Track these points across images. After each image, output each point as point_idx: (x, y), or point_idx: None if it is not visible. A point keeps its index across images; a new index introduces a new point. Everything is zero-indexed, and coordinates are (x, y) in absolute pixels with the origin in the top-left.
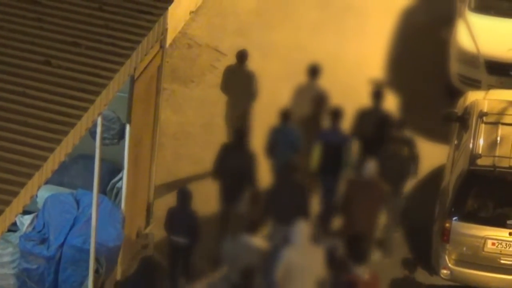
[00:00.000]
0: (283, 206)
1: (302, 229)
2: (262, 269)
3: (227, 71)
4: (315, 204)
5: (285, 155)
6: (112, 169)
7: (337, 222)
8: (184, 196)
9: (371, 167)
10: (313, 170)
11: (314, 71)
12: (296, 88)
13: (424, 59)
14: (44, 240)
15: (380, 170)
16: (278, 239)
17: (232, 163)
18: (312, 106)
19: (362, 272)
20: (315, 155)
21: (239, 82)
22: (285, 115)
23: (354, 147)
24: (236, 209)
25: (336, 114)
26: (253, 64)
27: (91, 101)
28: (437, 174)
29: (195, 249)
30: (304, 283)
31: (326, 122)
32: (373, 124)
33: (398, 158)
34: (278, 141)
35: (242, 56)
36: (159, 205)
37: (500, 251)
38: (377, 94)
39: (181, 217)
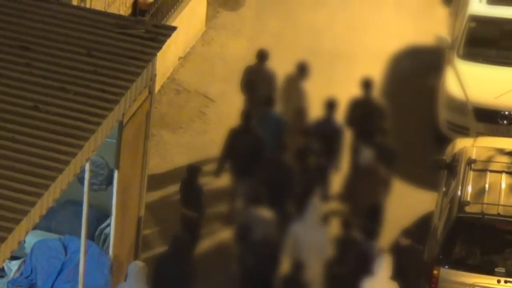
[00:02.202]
0: (273, 186)
1: (314, 208)
2: (238, 236)
3: (247, 70)
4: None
5: (272, 138)
6: (100, 215)
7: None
8: (193, 171)
9: (367, 154)
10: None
11: (302, 69)
12: (284, 82)
13: (412, 106)
14: (32, 286)
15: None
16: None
17: (241, 146)
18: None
19: (372, 248)
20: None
21: (258, 82)
22: (269, 101)
23: (347, 136)
24: (245, 188)
25: (331, 104)
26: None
27: (79, 147)
28: (425, 221)
29: (202, 221)
30: (310, 258)
31: (321, 112)
32: (363, 113)
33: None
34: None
35: (262, 55)
36: (147, 249)
37: None
38: (367, 84)
39: (190, 191)
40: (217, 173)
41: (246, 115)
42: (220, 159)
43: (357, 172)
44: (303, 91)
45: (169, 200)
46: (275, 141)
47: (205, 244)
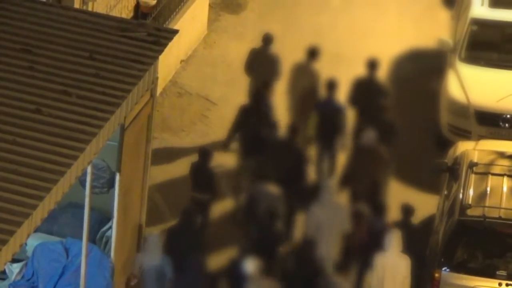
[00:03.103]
0: (282, 168)
1: (330, 188)
2: (245, 210)
3: (252, 53)
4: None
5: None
6: (101, 218)
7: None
8: (205, 155)
9: (370, 135)
10: (310, 137)
11: (313, 52)
12: (293, 67)
13: (414, 109)
14: None
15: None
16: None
17: (250, 123)
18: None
19: (381, 223)
20: (312, 124)
21: (263, 64)
22: (266, 84)
23: (349, 116)
24: (253, 164)
25: (331, 85)
26: None
27: (81, 150)
28: (426, 224)
29: (213, 203)
30: (330, 236)
31: (322, 93)
32: (367, 93)
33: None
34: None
35: (267, 39)
36: None
37: None
38: (372, 65)
39: (201, 174)
40: (225, 146)
41: (256, 94)
42: (229, 134)
43: (360, 152)
44: (316, 72)
45: (171, 201)
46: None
47: (214, 219)
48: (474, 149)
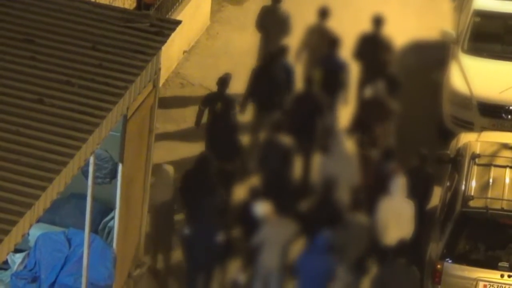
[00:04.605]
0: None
1: (339, 140)
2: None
3: (263, 10)
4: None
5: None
6: (104, 208)
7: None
8: (223, 81)
9: (380, 87)
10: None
11: (324, 12)
12: (307, 28)
13: (417, 100)
14: (35, 279)
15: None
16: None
17: (263, 84)
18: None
19: (388, 168)
20: (315, 80)
21: (274, 21)
22: (282, 50)
23: (353, 71)
24: (268, 121)
25: (334, 42)
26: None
27: (84, 140)
28: (428, 216)
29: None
30: (339, 185)
31: (325, 50)
32: (372, 48)
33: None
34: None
35: None
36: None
37: None
38: (377, 21)
39: (219, 100)
40: (241, 109)
41: (267, 56)
42: (244, 97)
43: (369, 103)
44: (329, 30)
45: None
46: (287, 88)
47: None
48: (477, 141)
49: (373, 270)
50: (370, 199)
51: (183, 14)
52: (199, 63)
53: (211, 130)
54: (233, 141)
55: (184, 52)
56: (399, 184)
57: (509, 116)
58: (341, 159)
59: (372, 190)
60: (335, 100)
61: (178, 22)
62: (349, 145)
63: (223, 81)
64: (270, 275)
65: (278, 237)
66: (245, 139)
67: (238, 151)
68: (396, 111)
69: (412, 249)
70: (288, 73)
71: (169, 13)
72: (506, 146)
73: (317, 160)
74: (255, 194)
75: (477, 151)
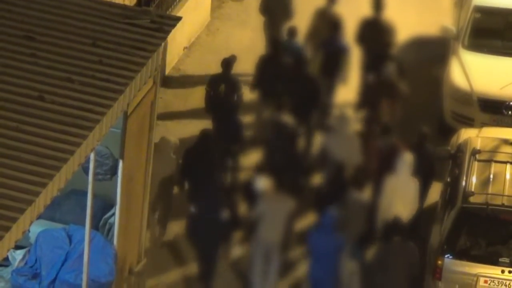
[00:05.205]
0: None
1: (344, 119)
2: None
3: None
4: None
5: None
6: (104, 205)
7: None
8: (228, 63)
9: (390, 68)
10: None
11: None
12: (314, 11)
13: (417, 96)
14: (36, 275)
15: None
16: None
17: (271, 72)
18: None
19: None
20: (317, 61)
21: (277, 4)
22: (291, 31)
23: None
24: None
25: (336, 25)
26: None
27: (84, 137)
28: (429, 211)
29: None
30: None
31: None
32: (373, 32)
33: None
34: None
35: None
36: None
37: None
38: (378, 5)
39: (223, 81)
40: (252, 89)
41: (273, 43)
42: (252, 84)
43: (377, 83)
44: (334, 14)
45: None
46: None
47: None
48: (477, 137)
49: (373, 248)
50: (375, 176)
51: (183, 10)
52: (199, 59)
53: (215, 111)
54: (236, 122)
55: (185, 48)
56: (405, 161)
57: (510, 112)
58: (343, 138)
59: (377, 168)
60: (334, 81)
61: (178, 19)
62: (353, 124)
63: (228, 62)
64: (270, 248)
65: (276, 212)
66: (248, 118)
67: (241, 132)
68: (405, 92)
69: (411, 227)
70: (298, 54)
71: (170, 9)
72: (506, 142)
73: (318, 139)
74: (259, 172)
75: (478, 147)
